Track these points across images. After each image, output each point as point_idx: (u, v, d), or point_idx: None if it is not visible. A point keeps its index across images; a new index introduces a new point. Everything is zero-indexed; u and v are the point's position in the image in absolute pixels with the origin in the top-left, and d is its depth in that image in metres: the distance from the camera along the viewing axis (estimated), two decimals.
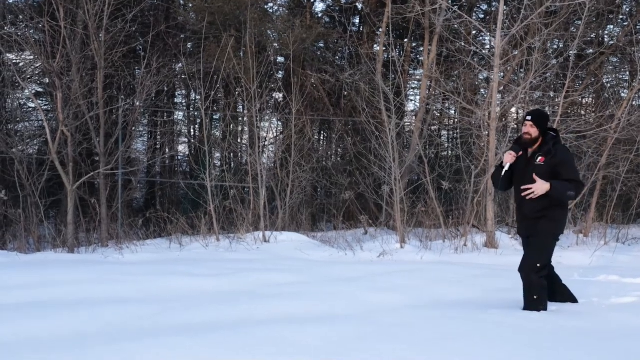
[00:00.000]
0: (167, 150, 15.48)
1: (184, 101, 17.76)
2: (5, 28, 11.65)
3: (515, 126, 13.65)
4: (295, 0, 15.98)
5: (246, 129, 14.40)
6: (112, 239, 10.85)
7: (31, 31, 11.48)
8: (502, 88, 11.79)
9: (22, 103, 13.70)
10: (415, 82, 17.13)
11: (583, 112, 14.99)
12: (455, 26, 12.54)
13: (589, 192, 11.48)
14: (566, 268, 8.15)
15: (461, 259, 9.06)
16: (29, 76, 12.94)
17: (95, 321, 4.55)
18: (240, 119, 14.75)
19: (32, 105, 13.83)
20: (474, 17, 15.43)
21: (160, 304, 5.28)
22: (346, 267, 7.78)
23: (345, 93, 14.62)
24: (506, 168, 5.15)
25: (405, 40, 16.07)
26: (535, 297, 4.96)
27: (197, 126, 16.63)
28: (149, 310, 5.00)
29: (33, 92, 12.72)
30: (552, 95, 13.58)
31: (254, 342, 3.81)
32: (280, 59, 15.17)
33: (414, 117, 14.38)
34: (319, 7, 17.21)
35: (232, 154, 14.34)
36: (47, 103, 13.98)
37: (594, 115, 12.60)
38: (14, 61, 12.77)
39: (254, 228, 10.87)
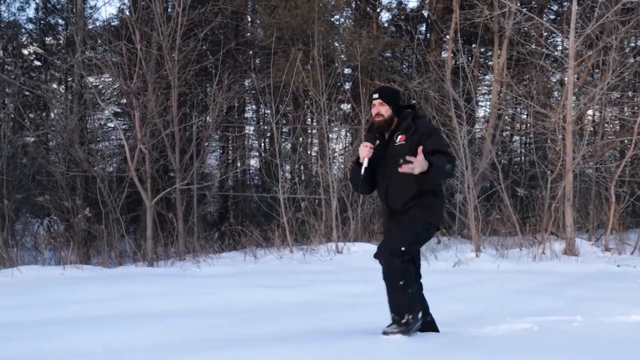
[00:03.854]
0: (238, 164, 15.79)
1: (254, 116, 18.10)
2: (86, 52, 12.22)
3: (592, 128, 13.18)
4: (361, 11, 16.04)
5: (316, 140, 14.51)
6: (189, 252, 11.13)
7: (109, 54, 11.99)
8: (576, 90, 11.40)
9: (102, 123, 14.32)
10: (485, 88, 16.81)
11: None
12: (526, 28, 12.25)
13: None
14: None
15: (540, 267, 8.79)
16: (108, 97, 13.51)
17: (175, 332, 4.67)
18: (310, 131, 14.87)
19: (111, 125, 14.43)
20: (545, 19, 15.03)
21: (236, 315, 5.38)
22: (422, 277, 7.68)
23: (414, 101, 14.51)
24: (365, 164, 4.13)
25: (474, 45, 15.82)
26: (401, 282, 4.02)
27: (267, 140, 16.89)
28: (226, 321, 5.11)
29: (112, 112, 13.27)
30: (630, 95, 13.04)
31: (329, 353, 3.80)
32: (347, 70, 15.23)
33: (485, 124, 14.11)
34: (385, 16, 17.19)
35: (302, 166, 14.46)
36: (125, 122, 14.55)
37: None
38: (94, 84, 13.37)
39: (326, 239, 10.92)
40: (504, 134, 14.96)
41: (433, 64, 12.55)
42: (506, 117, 14.71)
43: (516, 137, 17.09)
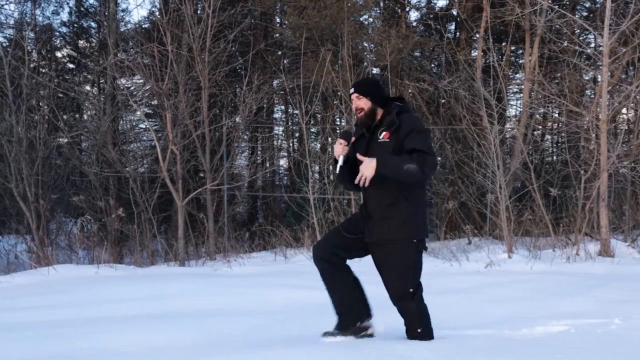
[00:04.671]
0: (267, 164, 15.86)
1: (283, 116, 18.17)
2: (118, 55, 12.39)
3: (627, 127, 12.94)
4: (390, 11, 15.98)
5: None
6: (219, 252, 11.20)
7: (141, 56, 12.13)
8: (610, 88, 11.22)
9: (134, 124, 14.50)
10: (516, 87, 16.63)
11: None
12: (558, 26, 12.08)
13: None
14: None
15: (574, 269, 8.65)
16: (139, 99, 13.67)
17: (210, 332, 4.71)
18: (339, 131, 14.87)
19: (143, 126, 14.60)
20: (577, 15, 14.80)
21: (269, 315, 5.41)
22: (453, 278, 7.64)
23: (443, 101, 14.41)
24: (340, 162, 3.97)
25: (504, 43, 15.66)
26: (419, 330, 4.02)
27: (296, 140, 16.93)
28: (259, 321, 5.13)
29: (144, 113, 13.44)
30: None
31: (363, 355, 3.79)
32: (375, 71, 15.19)
33: (517, 123, 13.96)
34: (414, 15, 17.10)
35: (331, 166, 14.47)
36: (157, 123, 14.71)
37: None
38: (126, 85, 13.55)
39: None
40: (535, 133, 14.77)
41: (463, 62, 12.45)
42: (537, 116, 14.53)
43: (548, 137, 16.88)
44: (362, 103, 3.98)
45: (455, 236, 11.76)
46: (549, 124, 16.41)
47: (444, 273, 8.36)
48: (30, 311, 5.69)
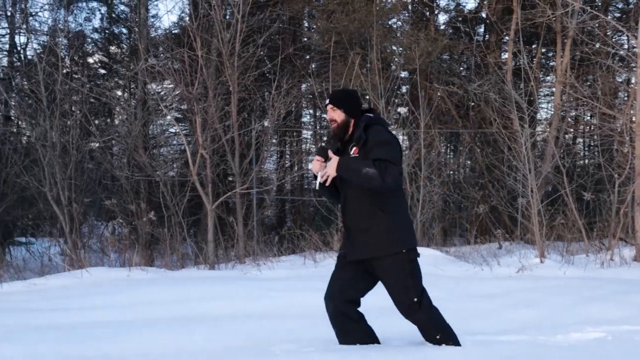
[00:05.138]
0: (296, 168, 15.88)
1: (311, 120, 18.20)
2: (149, 60, 12.53)
3: None
4: (419, 14, 15.92)
5: None
6: (248, 255, 11.24)
7: (171, 61, 12.25)
8: None
9: (164, 129, 14.64)
10: (547, 90, 16.43)
11: None
12: (590, 27, 11.90)
13: None
14: None
15: (608, 274, 8.50)
16: (169, 103, 13.80)
17: (240, 335, 4.73)
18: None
19: (173, 130, 14.74)
20: (610, 17, 14.57)
21: (300, 319, 5.40)
22: (484, 282, 7.56)
23: (473, 104, 14.30)
24: (318, 179, 3.91)
25: (534, 45, 15.49)
26: (438, 337, 3.93)
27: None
28: (290, 325, 5.13)
29: (174, 118, 13.58)
30: None
31: (396, 359, 3.76)
32: (403, 74, 15.13)
33: (548, 126, 13.78)
34: (442, 18, 17.01)
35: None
36: (186, 128, 14.85)
37: None
38: (157, 90, 13.70)
39: None
40: (567, 136, 14.58)
41: (493, 65, 12.33)
42: (569, 119, 14.33)
43: (580, 140, 16.65)
44: (336, 115, 3.94)
45: (485, 240, 11.64)
46: (581, 126, 16.18)
47: (475, 277, 8.28)
48: (63, 313, 5.78)
